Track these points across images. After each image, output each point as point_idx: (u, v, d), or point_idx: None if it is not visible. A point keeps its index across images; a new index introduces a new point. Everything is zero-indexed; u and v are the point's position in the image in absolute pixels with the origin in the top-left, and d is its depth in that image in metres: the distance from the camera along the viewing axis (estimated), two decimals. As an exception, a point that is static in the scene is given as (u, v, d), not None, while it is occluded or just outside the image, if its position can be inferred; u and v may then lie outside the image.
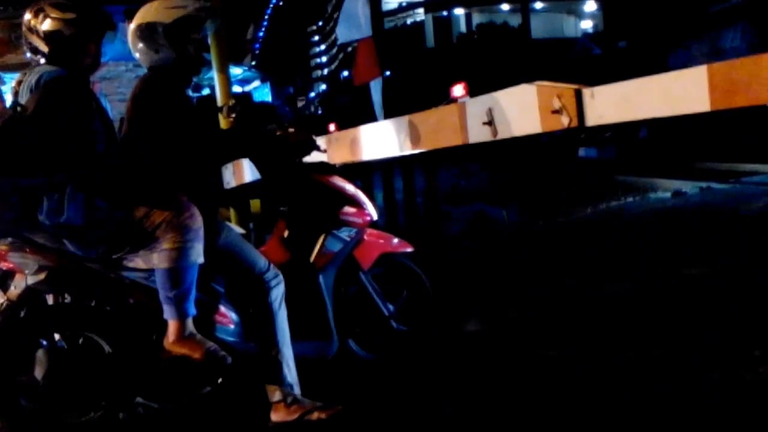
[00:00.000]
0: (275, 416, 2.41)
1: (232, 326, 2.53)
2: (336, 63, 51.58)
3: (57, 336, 2.34)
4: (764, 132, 9.04)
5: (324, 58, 62.35)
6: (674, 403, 2.29)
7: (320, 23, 61.82)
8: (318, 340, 2.69)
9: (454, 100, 3.35)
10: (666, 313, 3.23)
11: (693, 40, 17.45)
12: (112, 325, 2.38)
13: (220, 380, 2.45)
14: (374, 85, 7.04)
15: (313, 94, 56.00)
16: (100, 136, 2.30)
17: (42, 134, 2.15)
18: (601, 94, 2.65)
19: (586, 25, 37.53)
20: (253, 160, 2.90)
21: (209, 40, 4.94)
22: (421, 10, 39.27)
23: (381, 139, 4.04)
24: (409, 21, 40.28)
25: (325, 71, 59.82)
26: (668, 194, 7.29)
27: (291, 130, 2.69)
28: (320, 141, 4.67)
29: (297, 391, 2.44)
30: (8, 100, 2.51)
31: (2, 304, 2.31)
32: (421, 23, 38.62)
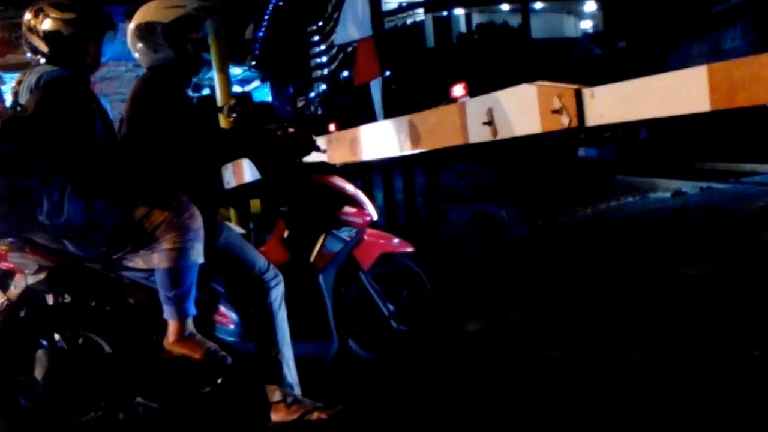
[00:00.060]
0: (275, 416, 2.41)
1: (232, 326, 2.53)
2: (336, 63, 51.58)
3: (57, 336, 2.34)
4: (764, 132, 9.04)
5: (324, 58, 62.37)
6: (674, 403, 2.29)
7: (320, 23, 61.85)
8: (318, 340, 2.69)
9: (454, 100, 3.35)
10: (666, 313, 3.23)
11: (693, 40, 17.45)
12: (112, 325, 2.38)
13: (220, 380, 2.45)
14: (374, 85, 7.04)
15: (313, 94, 56.03)
16: (100, 136, 2.30)
17: (42, 134, 2.15)
18: (601, 94, 2.65)
19: (586, 25, 37.55)
20: (253, 160, 2.90)
21: (209, 40, 4.95)
22: (421, 10, 39.29)
23: (381, 139, 4.04)
24: (409, 21, 40.31)
25: (325, 71, 59.84)
26: (668, 194, 7.29)
27: (291, 130, 2.69)
28: (320, 141, 4.67)
29: (297, 391, 2.44)
30: (8, 100, 2.51)
31: (2, 304, 2.31)
32: (421, 23, 38.64)
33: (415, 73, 25.03)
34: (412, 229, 5.86)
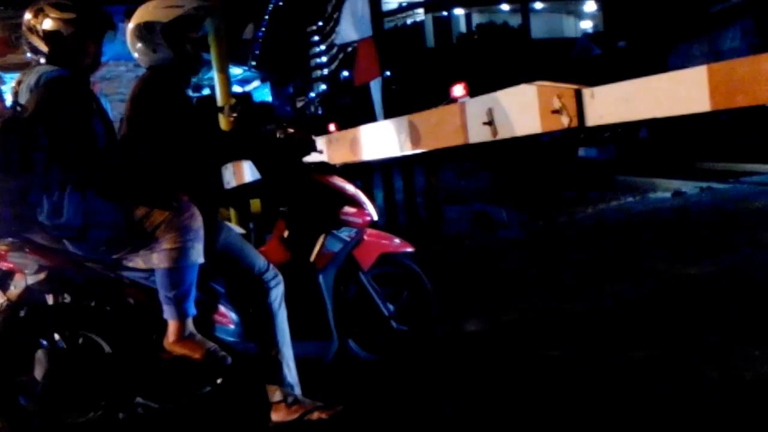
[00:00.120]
0: (276, 416, 2.41)
1: (232, 326, 2.52)
2: (336, 63, 51.59)
3: (57, 336, 2.34)
4: (764, 132, 9.05)
5: (324, 58, 62.36)
6: (674, 403, 2.29)
7: (320, 23, 61.84)
8: (318, 340, 2.69)
9: (454, 100, 3.36)
10: (666, 313, 3.23)
11: (693, 40, 17.45)
12: (112, 325, 2.38)
13: (220, 380, 2.45)
14: (374, 85, 7.05)
15: (313, 94, 56.03)
16: (100, 136, 2.30)
17: (42, 134, 2.15)
18: (601, 94, 2.66)
19: (586, 25, 37.53)
20: (252, 160, 2.90)
21: (209, 40, 4.95)
22: (421, 10, 39.28)
23: (381, 139, 4.05)
24: (409, 21, 40.29)
25: (325, 71, 59.83)
26: (668, 194, 7.29)
27: (290, 130, 2.69)
28: (320, 141, 4.68)
29: (297, 391, 2.44)
30: (8, 100, 2.51)
31: (2, 304, 2.31)
32: (421, 23, 38.63)
33: (415, 73, 25.04)
34: (412, 229, 5.86)
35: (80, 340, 2.36)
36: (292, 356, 2.45)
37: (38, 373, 2.24)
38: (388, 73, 7.49)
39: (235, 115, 2.72)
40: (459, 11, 38.04)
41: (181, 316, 2.31)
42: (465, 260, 5.12)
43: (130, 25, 2.50)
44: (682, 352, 2.70)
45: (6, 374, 2.26)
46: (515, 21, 33.88)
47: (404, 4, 41.28)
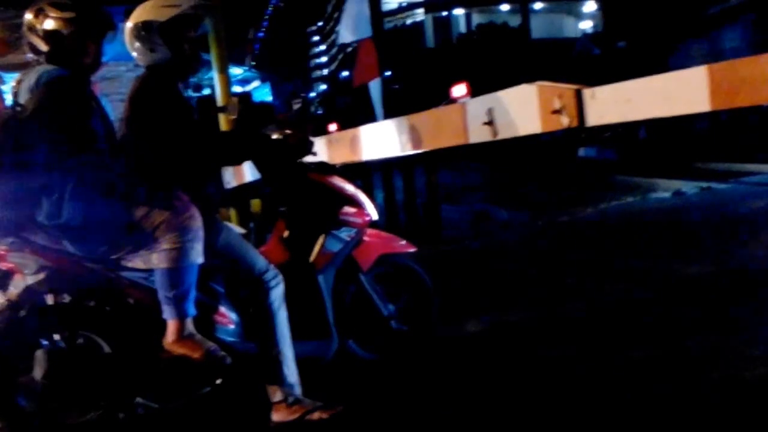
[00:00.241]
0: (276, 416, 2.40)
1: (232, 326, 2.52)
2: (336, 63, 51.60)
3: (57, 336, 2.34)
4: (764, 132, 9.05)
5: (324, 58, 62.38)
6: (674, 403, 2.29)
7: (320, 23, 61.86)
8: (318, 340, 2.69)
9: (454, 101, 3.36)
10: (666, 313, 3.23)
11: (693, 40, 17.47)
12: (111, 325, 2.38)
13: (220, 380, 2.45)
14: (373, 85, 7.05)
15: (313, 94, 56.00)
16: (100, 136, 2.30)
17: (41, 134, 2.15)
18: (602, 94, 2.66)
19: (586, 25, 37.55)
20: (253, 160, 2.90)
21: (209, 40, 4.95)
22: (421, 11, 39.33)
23: (381, 139, 4.05)
24: (409, 21, 40.33)
25: (325, 71, 59.84)
26: (668, 194, 7.29)
27: (288, 131, 2.69)
28: (320, 141, 4.68)
29: (298, 391, 2.44)
30: (8, 99, 2.50)
31: (2, 304, 2.30)
32: (421, 23, 38.69)
33: (415, 73, 25.06)
34: (412, 229, 5.85)
35: (80, 340, 2.35)
36: (292, 356, 2.45)
37: (38, 373, 2.24)
38: (388, 73, 7.49)
39: (235, 115, 2.72)
40: (459, 11, 38.08)
41: (181, 316, 2.31)
42: (465, 260, 5.12)
43: (128, 25, 2.49)
44: (682, 352, 2.70)
45: (6, 374, 2.26)
46: (515, 21, 33.91)
47: (404, 4, 41.31)
